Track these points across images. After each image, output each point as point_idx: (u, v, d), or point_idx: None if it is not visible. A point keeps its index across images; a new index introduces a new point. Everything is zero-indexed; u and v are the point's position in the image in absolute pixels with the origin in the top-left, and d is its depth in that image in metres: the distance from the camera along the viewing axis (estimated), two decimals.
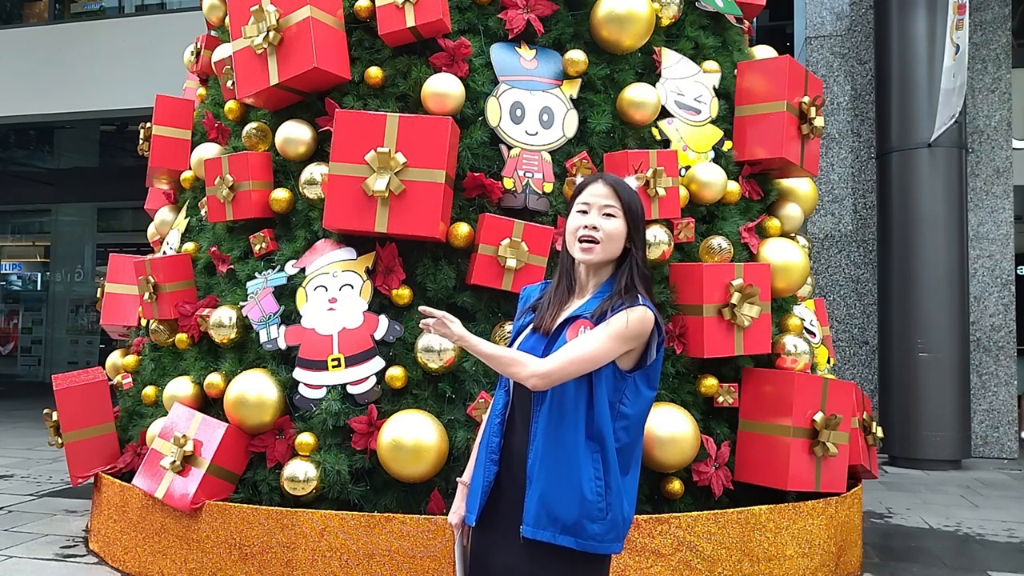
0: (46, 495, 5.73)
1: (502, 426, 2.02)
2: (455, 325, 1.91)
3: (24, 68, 11.02)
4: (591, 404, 1.91)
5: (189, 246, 4.49)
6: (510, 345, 2.07)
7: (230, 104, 4.44)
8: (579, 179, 2.39)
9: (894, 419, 7.62)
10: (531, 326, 2.05)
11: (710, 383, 3.92)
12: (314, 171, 3.96)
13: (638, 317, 1.90)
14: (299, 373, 3.76)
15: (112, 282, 5.18)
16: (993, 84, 8.42)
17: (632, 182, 2.04)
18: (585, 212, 1.98)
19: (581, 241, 1.97)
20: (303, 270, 3.94)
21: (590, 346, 1.88)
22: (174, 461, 3.72)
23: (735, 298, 3.82)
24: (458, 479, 2.16)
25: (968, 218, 8.10)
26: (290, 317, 3.88)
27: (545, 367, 1.86)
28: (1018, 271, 9.14)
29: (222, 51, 4.61)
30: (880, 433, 4.71)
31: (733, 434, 3.95)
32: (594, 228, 1.95)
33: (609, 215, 1.96)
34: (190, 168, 4.77)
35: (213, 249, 4.29)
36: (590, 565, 1.93)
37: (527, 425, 1.96)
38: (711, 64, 4.46)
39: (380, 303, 3.81)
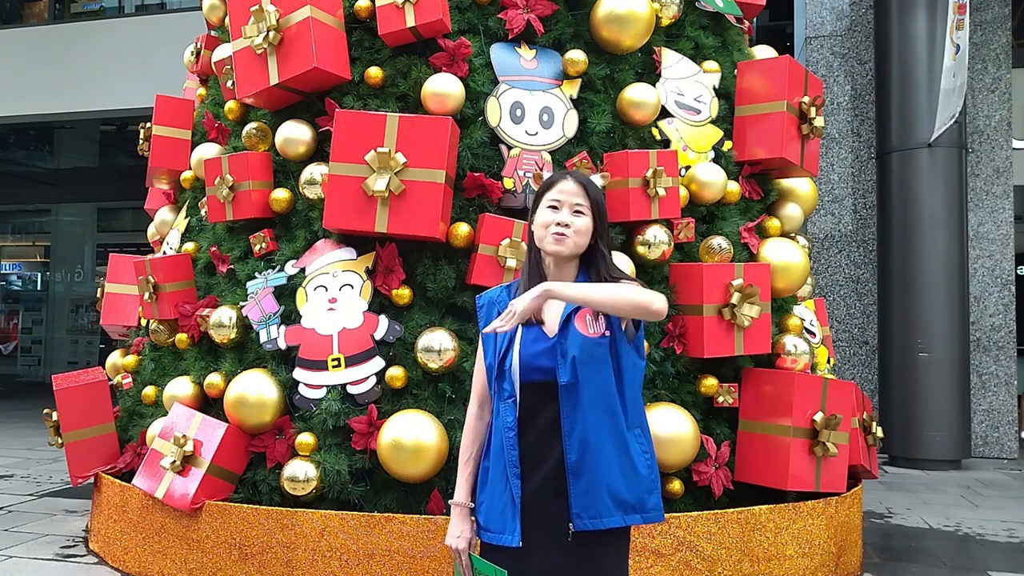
0: (46, 495, 5.73)
1: (517, 438, 1.98)
2: (520, 304, 1.90)
3: (24, 68, 11.02)
4: (621, 382, 1.97)
5: (189, 246, 4.49)
6: (504, 354, 2.03)
7: (230, 104, 4.44)
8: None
9: (894, 419, 7.62)
10: (520, 325, 2.02)
11: (710, 383, 3.92)
12: (314, 171, 3.96)
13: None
14: (299, 373, 3.76)
15: (112, 282, 5.18)
16: (993, 84, 8.42)
17: (598, 180, 2.10)
18: (556, 208, 2.03)
19: (554, 235, 2.02)
20: (303, 270, 3.94)
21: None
22: (174, 461, 3.72)
23: (735, 298, 3.82)
24: (453, 502, 2.11)
25: (968, 218, 8.10)
26: (290, 317, 3.88)
27: (660, 299, 1.93)
28: (1018, 271, 9.15)
29: (222, 51, 4.61)
30: (880, 433, 4.71)
31: (733, 434, 3.95)
32: (566, 225, 2.01)
33: (579, 212, 2.02)
34: (190, 168, 4.77)
35: (213, 249, 4.29)
36: (626, 537, 2.03)
37: (555, 423, 1.95)
38: (711, 64, 4.46)
39: (380, 303, 3.81)
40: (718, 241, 4.05)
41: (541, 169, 3.88)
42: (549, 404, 1.96)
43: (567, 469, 1.93)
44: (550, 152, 3.97)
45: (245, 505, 3.65)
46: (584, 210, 2.02)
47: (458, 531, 2.08)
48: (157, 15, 11.72)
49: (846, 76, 8.70)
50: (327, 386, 3.70)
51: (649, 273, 3.96)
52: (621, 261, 3.81)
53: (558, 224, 2.00)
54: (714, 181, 4.12)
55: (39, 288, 16.61)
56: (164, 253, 4.78)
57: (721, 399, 3.93)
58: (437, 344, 3.62)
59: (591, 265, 2.06)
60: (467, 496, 2.09)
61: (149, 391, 4.37)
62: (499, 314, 2.05)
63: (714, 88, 4.43)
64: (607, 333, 1.97)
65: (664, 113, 4.23)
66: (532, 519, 1.95)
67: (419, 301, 3.81)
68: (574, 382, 1.93)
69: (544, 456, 1.95)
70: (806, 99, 4.33)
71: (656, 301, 1.92)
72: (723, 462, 3.83)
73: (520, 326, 2.02)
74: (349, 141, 3.66)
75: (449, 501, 2.14)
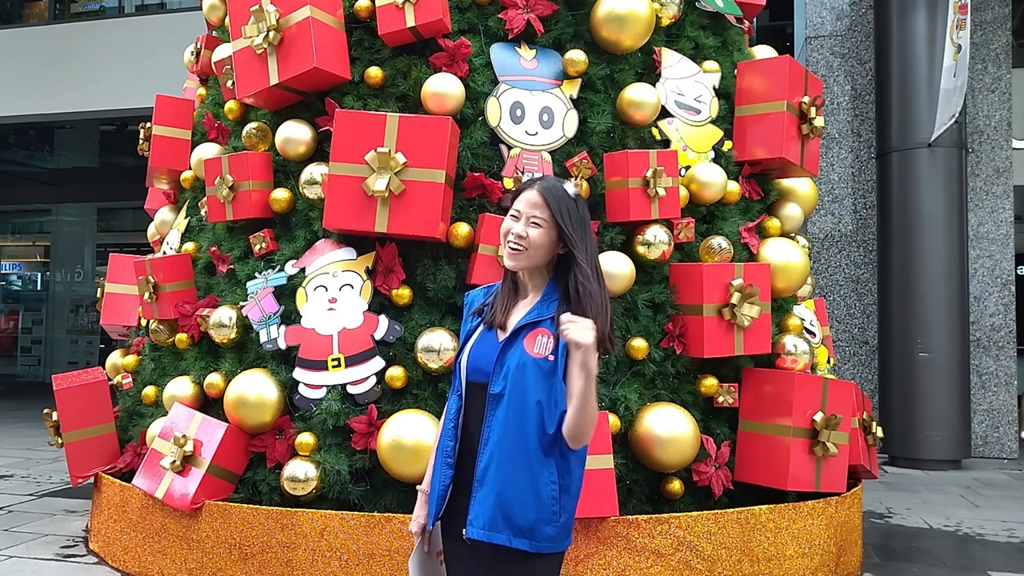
0: (46, 495, 5.73)
1: (456, 430, 2.03)
2: (587, 359, 1.85)
3: (24, 68, 11.02)
4: (551, 408, 1.91)
5: (189, 246, 4.49)
6: (461, 347, 2.08)
7: (230, 104, 4.44)
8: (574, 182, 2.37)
9: (894, 419, 7.62)
10: (482, 325, 2.07)
11: (710, 383, 3.92)
12: (314, 171, 3.96)
13: (591, 343, 1.84)
14: (299, 373, 3.76)
15: (112, 282, 5.18)
16: (993, 84, 8.42)
17: (570, 188, 2.05)
18: (516, 218, 2.01)
19: (509, 247, 2.01)
20: (303, 270, 3.94)
21: (593, 399, 1.88)
22: (174, 461, 3.72)
23: (735, 298, 3.82)
24: (418, 487, 2.18)
25: (968, 218, 8.10)
26: (290, 317, 3.88)
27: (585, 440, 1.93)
28: (1018, 271, 9.14)
29: (222, 51, 4.61)
30: (880, 433, 4.71)
31: (733, 434, 3.95)
32: (520, 237, 1.98)
33: (535, 224, 1.97)
34: (190, 168, 4.77)
35: (213, 249, 4.29)
36: (542, 561, 1.95)
37: (480, 428, 1.97)
38: (711, 64, 4.46)
39: (380, 303, 3.81)
40: (718, 241, 4.05)
41: (522, 172, 3.87)
42: (484, 407, 1.99)
43: (475, 475, 1.94)
44: (550, 152, 3.97)
45: (245, 505, 3.65)
46: (541, 222, 1.96)
47: (414, 515, 2.14)
48: (157, 15, 11.72)
49: (846, 76, 8.70)
50: (327, 386, 3.70)
51: (649, 273, 3.96)
52: (621, 261, 3.81)
53: (511, 235, 1.99)
54: (714, 181, 4.11)
55: (39, 288, 16.60)
56: (164, 253, 4.77)
57: (721, 399, 3.93)
58: (437, 344, 3.62)
59: (563, 276, 2.01)
60: (429, 483, 2.13)
61: (149, 391, 4.37)
62: (473, 312, 2.10)
63: (714, 88, 4.43)
64: (551, 358, 1.92)
65: (664, 113, 4.23)
66: (453, 512, 1.99)
67: (419, 301, 3.81)
68: (502, 394, 1.93)
69: (475, 455, 1.98)
70: (806, 99, 4.33)
71: (581, 440, 1.90)
72: (723, 462, 3.83)
73: (482, 326, 2.06)
74: (349, 141, 3.66)
75: (417, 487, 2.20)
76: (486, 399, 1.96)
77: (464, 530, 1.92)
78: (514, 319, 2.02)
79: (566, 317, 1.86)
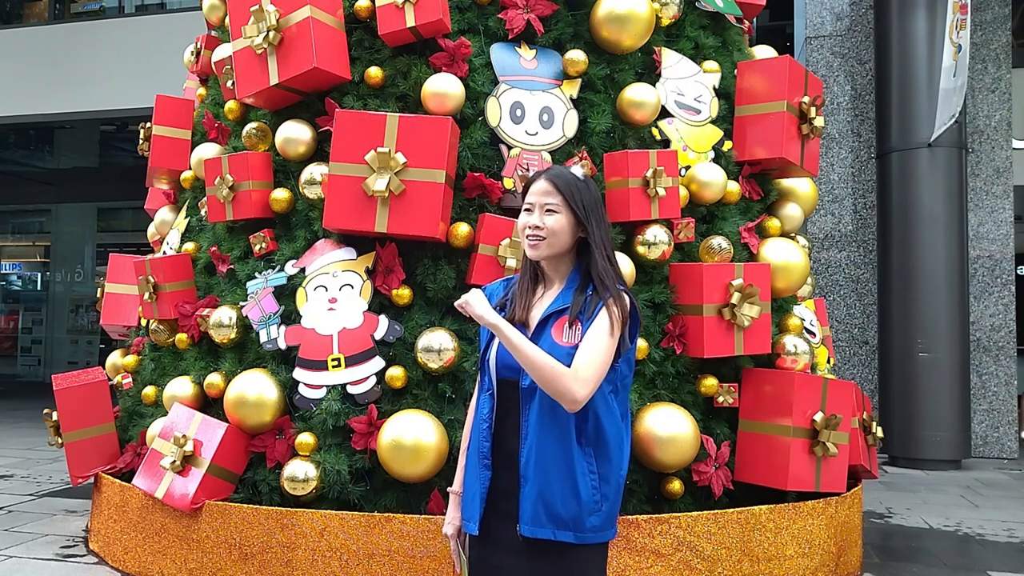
0: (46, 495, 5.73)
1: (490, 430, 2.01)
2: (478, 306, 1.91)
3: (24, 68, 11.02)
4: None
5: (189, 246, 4.49)
6: (486, 347, 2.05)
7: (230, 104, 4.44)
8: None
9: (894, 419, 7.62)
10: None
11: (710, 383, 3.92)
12: (314, 171, 3.96)
13: (620, 307, 1.93)
14: (299, 373, 3.76)
15: (112, 282, 5.18)
16: (993, 84, 8.42)
17: (577, 171, 2.05)
18: (530, 211, 2.01)
19: (528, 239, 2.01)
20: (303, 270, 3.94)
21: (603, 353, 1.88)
22: (174, 461, 3.72)
23: (735, 298, 3.82)
24: (449, 490, 2.17)
25: (968, 218, 8.10)
26: (290, 317, 3.88)
27: (584, 392, 1.84)
28: (1018, 271, 9.14)
29: (222, 51, 4.61)
30: (880, 433, 4.71)
31: (733, 434, 3.95)
32: (536, 227, 1.98)
33: (550, 211, 1.98)
34: (190, 168, 4.77)
35: (213, 249, 4.29)
36: (589, 553, 1.96)
37: (517, 426, 1.96)
38: (711, 64, 4.46)
39: (380, 303, 3.81)
40: (718, 241, 4.05)
41: (527, 169, 3.88)
42: (519, 403, 1.97)
43: (519, 471, 1.94)
44: (550, 152, 3.97)
45: (245, 505, 3.65)
46: (556, 208, 1.97)
47: (449, 517, 2.13)
48: (157, 15, 11.72)
49: (846, 76, 8.70)
50: (327, 386, 3.70)
51: (649, 273, 3.96)
52: (621, 261, 3.81)
53: (529, 227, 1.99)
54: (714, 181, 4.12)
55: (39, 288, 16.61)
56: (164, 253, 4.78)
57: (721, 399, 3.93)
58: (437, 344, 3.62)
59: (585, 261, 2.01)
60: (461, 484, 2.12)
61: (149, 391, 4.37)
62: (495, 307, 2.03)
63: (714, 88, 4.43)
64: (578, 344, 1.91)
65: (664, 113, 4.23)
66: (495, 512, 1.98)
67: (419, 301, 3.81)
68: (533, 387, 1.92)
69: (513, 452, 1.96)
70: (806, 99, 4.33)
71: (576, 394, 1.83)
72: (723, 462, 3.83)
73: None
74: (349, 141, 3.66)
75: (449, 490, 2.18)
76: (519, 395, 1.95)
77: (518, 527, 1.91)
78: (537, 311, 2.01)
79: (459, 301, 1.95)
